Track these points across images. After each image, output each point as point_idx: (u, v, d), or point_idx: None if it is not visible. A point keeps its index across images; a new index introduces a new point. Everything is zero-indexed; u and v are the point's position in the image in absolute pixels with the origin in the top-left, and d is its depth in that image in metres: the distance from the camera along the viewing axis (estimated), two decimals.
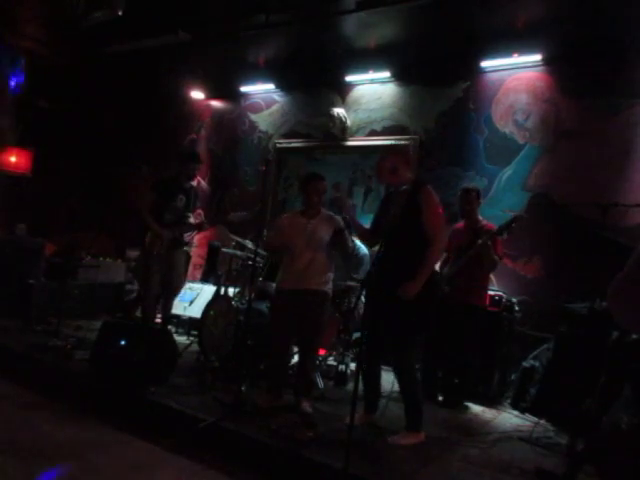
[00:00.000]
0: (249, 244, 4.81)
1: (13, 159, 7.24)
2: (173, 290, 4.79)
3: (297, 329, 3.57)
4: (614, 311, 1.48)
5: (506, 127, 5.18)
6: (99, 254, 6.48)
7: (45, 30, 6.10)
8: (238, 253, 4.94)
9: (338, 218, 3.71)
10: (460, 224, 4.32)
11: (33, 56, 6.70)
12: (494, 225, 4.11)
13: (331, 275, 3.67)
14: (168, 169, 5.15)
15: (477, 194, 4.27)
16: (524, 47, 4.93)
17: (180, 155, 5.34)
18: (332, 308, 4.34)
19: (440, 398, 4.11)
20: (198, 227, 4.85)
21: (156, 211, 4.56)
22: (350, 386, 4.14)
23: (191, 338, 5.31)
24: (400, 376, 3.21)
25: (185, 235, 4.86)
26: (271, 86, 6.68)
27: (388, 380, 3.47)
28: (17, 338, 4.65)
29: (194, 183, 4.94)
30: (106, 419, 3.34)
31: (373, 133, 5.97)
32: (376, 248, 3.15)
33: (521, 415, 3.98)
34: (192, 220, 4.76)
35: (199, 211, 4.92)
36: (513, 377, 4.34)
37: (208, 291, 5.59)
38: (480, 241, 3.93)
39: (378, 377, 3.44)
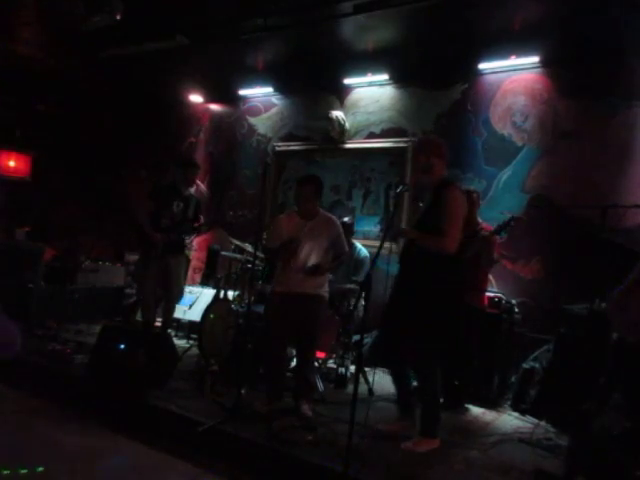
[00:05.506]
0: (248, 247, 4.81)
1: (12, 163, 7.26)
2: (173, 295, 4.78)
3: (293, 332, 3.54)
4: (612, 317, 1.48)
5: (504, 129, 5.19)
6: (98, 258, 6.48)
7: (43, 35, 6.09)
8: (237, 256, 4.94)
9: (337, 221, 3.69)
10: None
11: (32, 61, 6.70)
12: (492, 227, 4.12)
13: (328, 277, 3.65)
14: (167, 174, 5.15)
15: (477, 197, 4.29)
16: (522, 49, 4.93)
17: (177, 161, 5.35)
18: (332, 311, 4.34)
19: (440, 400, 4.10)
20: (196, 230, 4.87)
21: (153, 216, 4.57)
22: (350, 388, 4.13)
23: (191, 342, 5.31)
24: (421, 380, 3.15)
25: (186, 238, 4.87)
26: (270, 89, 6.68)
27: (387, 382, 3.46)
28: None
29: (193, 191, 4.94)
30: (106, 423, 3.34)
31: (372, 136, 5.98)
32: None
33: (521, 417, 3.97)
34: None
35: (200, 217, 4.93)
36: (513, 379, 4.33)
37: (208, 294, 5.59)
38: (476, 238, 3.94)
39: (408, 377, 3.28)
